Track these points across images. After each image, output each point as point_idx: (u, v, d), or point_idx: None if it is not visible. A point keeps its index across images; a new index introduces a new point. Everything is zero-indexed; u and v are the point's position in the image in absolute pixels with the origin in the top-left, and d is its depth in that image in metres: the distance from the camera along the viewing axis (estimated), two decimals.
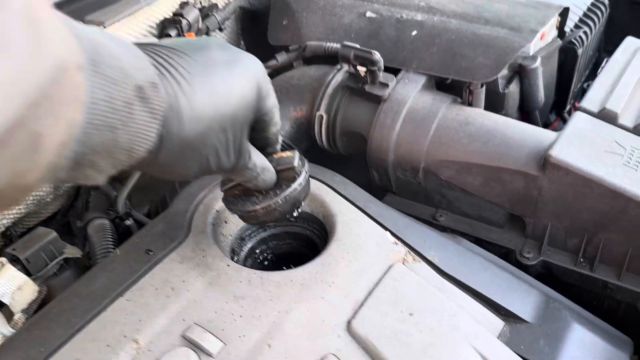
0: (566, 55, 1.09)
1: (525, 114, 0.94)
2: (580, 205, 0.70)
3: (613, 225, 0.69)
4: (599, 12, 1.22)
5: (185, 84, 0.45)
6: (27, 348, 0.57)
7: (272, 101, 0.53)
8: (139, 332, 0.58)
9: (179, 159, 0.46)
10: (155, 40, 0.57)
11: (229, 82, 0.49)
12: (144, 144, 0.42)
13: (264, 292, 0.62)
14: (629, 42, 1.01)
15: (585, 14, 1.20)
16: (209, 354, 0.56)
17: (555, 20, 1.01)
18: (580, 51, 1.11)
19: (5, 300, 0.70)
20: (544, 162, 0.70)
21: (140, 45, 0.46)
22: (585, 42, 1.13)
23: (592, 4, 1.22)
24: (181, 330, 0.58)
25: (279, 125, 0.57)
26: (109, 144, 0.39)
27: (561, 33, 1.05)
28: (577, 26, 1.17)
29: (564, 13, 1.02)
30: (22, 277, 0.72)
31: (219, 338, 0.57)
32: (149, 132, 0.42)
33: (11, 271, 0.72)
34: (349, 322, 0.60)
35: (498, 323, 0.64)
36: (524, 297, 0.66)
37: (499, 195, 0.76)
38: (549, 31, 0.99)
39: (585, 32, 1.14)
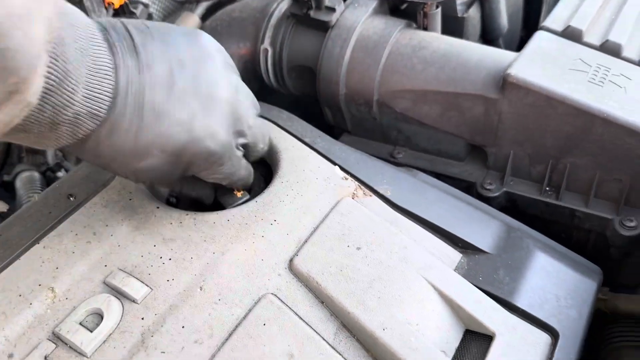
0: None
1: (488, 43, 0.88)
2: (543, 129, 0.65)
3: (578, 148, 0.64)
4: None
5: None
6: None
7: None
8: (56, 280, 0.52)
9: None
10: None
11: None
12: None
13: (197, 234, 0.56)
14: None
15: None
16: (133, 300, 0.50)
17: None
18: None
19: None
20: (503, 82, 0.64)
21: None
22: None
23: None
24: (103, 277, 0.52)
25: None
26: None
27: None
28: None
29: None
30: None
31: (144, 283, 0.51)
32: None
33: None
34: (290, 260, 0.54)
35: (455, 255, 0.59)
36: (482, 227, 0.61)
37: (458, 125, 0.71)
38: None
39: None
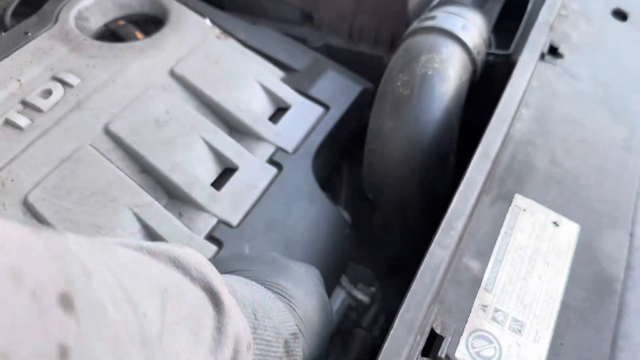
0: None
1: None
2: None
3: (363, 10, 0.98)
4: None
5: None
6: None
7: None
8: (21, 75, 0.82)
9: None
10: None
11: None
12: None
13: (112, 53, 0.86)
14: None
15: None
16: (69, 85, 0.80)
17: None
18: None
19: None
20: None
21: (268, 285, 0.48)
22: None
23: None
24: (51, 75, 0.82)
25: None
26: None
27: None
28: None
29: None
30: None
31: (77, 76, 0.82)
32: None
33: None
34: (172, 69, 0.86)
35: (280, 72, 0.92)
36: (300, 57, 0.94)
37: None
38: None
39: None
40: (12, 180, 0.70)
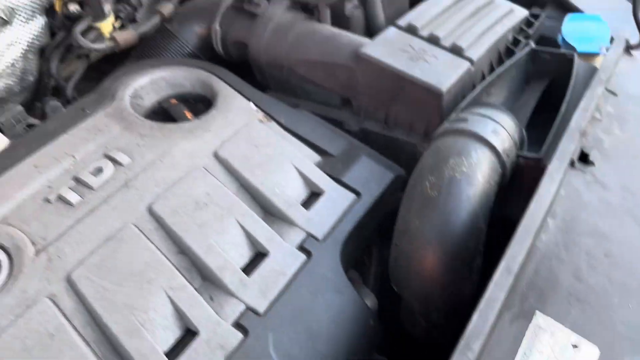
0: None
1: (370, 35, 1.25)
2: (380, 87, 1.02)
3: (400, 100, 1.02)
4: None
5: None
6: None
7: None
8: (75, 152, 0.88)
9: None
10: None
11: None
12: None
13: (161, 133, 0.92)
14: None
15: None
16: (120, 163, 0.86)
17: None
18: None
19: None
20: (357, 57, 1.02)
21: None
22: None
23: None
24: (104, 153, 0.89)
25: None
26: None
27: None
28: None
29: None
30: None
31: (127, 155, 0.88)
32: None
33: None
34: (215, 151, 0.91)
35: (316, 157, 0.96)
36: (336, 142, 0.98)
37: (335, 84, 1.08)
38: None
39: None
40: (59, 257, 0.74)
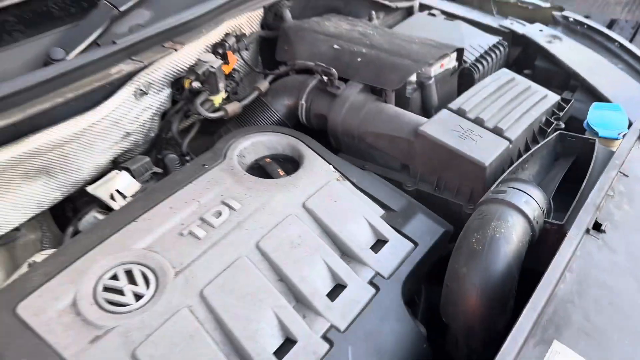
0: (466, 78, 1.66)
1: (425, 113, 1.50)
2: (434, 158, 1.26)
3: (451, 170, 1.25)
4: (497, 51, 1.78)
5: None
6: (133, 206, 1.14)
7: None
8: (200, 198, 1.14)
9: None
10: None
11: None
12: None
13: (263, 186, 1.18)
14: (502, 72, 1.57)
15: (486, 52, 1.76)
16: (233, 208, 1.12)
17: (454, 55, 1.58)
18: (477, 76, 1.67)
19: (123, 191, 1.27)
20: (416, 133, 1.27)
21: None
22: (482, 70, 1.69)
23: (494, 45, 1.79)
24: (221, 200, 1.15)
25: None
26: None
27: (460, 63, 1.62)
28: (479, 59, 1.73)
29: (460, 51, 1.58)
30: (131, 179, 1.29)
31: (239, 202, 1.14)
32: None
33: (126, 175, 1.29)
34: (304, 203, 1.16)
35: (380, 211, 1.20)
36: (397, 200, 1.22)
37: (396, 152, 1.33)
38: (448, 62, 1.56)
39: (482, 64, 1.70)
40: (193, 277, 1.00)
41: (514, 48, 1.92)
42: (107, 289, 0.97)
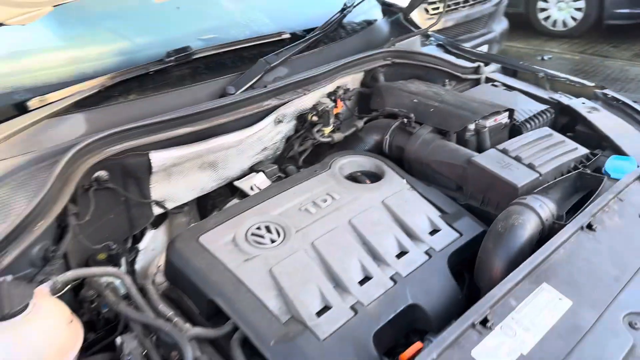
0: (516, 133, 2.11)
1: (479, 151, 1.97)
2: (481, 181, 1.72)
3: (492, 190, 1.70)
4: (544, 115, 2.22)
5: None
6: (270, 190, 1.69)
7: None
8: (312, 190, 1.67)
9: None
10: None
11: None
12: None
13: (355, 188, 1.69)
14: (543, 128, 2.01)
15: (534, 115, 2.21)
16: (334, 198, 1.63)
17: (506, 114, 2.05)
18: (524, 132, 2.12)
19: (259, 185, 1.83)
20: (469, 161, 1.74)
21: None
22: (529, 128, 2.14)
23: (542, 110, 2.23)
24: (326, 192, 1.66)
25: None
26: None
27: (511, 121, 2.08)
28: (528, 120, 2.18)
29: (511, 111, 2.05)
30: (265, 178, 1.84)
31: (338, 194, 1.65)
32: None
33: (262, 175, 1.86)
34: (383, 200, 1.65)
35: (437, 212, 1.66)
36: (449, 206, 1.68)
37: (453, 175, 1.80)
38: (501, 118, 2.03)
39: (530, 123, 2.16)
40: (307, 234, 1.50)
41: (562, 117, 2.35)
42: (253, 234, 1.50)
